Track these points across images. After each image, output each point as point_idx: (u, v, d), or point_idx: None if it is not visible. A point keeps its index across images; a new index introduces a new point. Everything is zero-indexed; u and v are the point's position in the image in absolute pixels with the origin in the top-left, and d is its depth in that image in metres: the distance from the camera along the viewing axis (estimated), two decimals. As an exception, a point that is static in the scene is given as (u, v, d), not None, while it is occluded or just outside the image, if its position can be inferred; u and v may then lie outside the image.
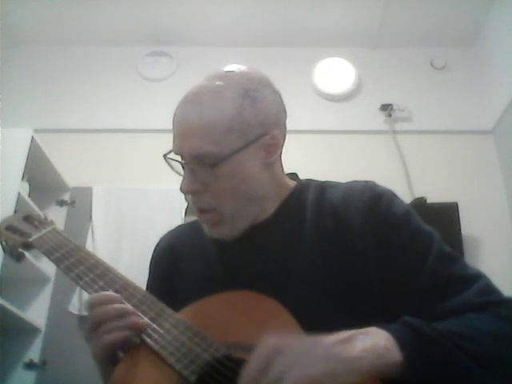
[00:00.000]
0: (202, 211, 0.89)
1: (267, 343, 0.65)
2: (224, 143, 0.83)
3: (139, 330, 0.80)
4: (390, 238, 0.84)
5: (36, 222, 1.06)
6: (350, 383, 0.63)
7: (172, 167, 0.91)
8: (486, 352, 0.70)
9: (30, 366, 2.28)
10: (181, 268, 0.96)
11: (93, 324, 0.80)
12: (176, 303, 0.85)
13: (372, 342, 0.66)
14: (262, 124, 0.86)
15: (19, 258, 1.04)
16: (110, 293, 0.84)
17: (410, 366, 0.65)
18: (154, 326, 0.81)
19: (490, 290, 0.80)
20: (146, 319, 0.82)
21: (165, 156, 0.90)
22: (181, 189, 0.87)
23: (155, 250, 1.04)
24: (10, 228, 1.04)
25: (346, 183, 0.94)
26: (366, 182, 0.92)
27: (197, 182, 0.86)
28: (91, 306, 0.82)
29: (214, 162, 0.83)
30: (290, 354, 0.64)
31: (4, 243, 1.04)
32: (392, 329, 0.69)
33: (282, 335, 0.66)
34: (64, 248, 0.96)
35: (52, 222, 1.07)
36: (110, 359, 0.81)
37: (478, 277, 0.81)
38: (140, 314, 0.83)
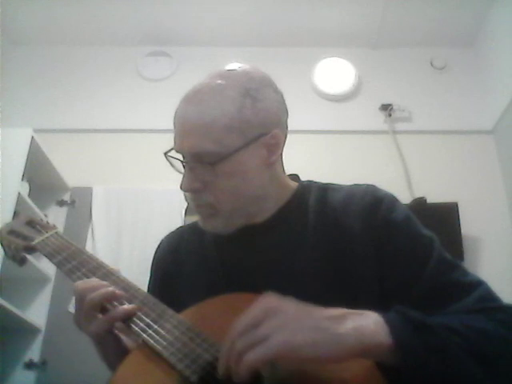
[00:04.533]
0: (199, 206, 0.89)
1: (264, 301, 0.67)
2: (224, 142, 0.83)
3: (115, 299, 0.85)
4: (389, 243, 0.84)
5: (38, 226, 1.07)
6: (332, 357, 0.64)
7: (173, 165, 0.91)
8: (477, 347, 0.69)
9: (30, 365, 2.28)
10: (182, 270, 0.96)
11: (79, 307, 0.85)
12: (178, 305, 0.86)
13: (362, 322, 0.66)
14: (263, 123, 0.87)
15: (22, 262, 1.05)
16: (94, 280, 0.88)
17: (399, 349, 0.65)
18: (156, 327, 0.82)
19: (489, 297, 0.79)
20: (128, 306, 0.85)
21: (165, 154, 0.91)
22: (181, 187, 0.87)
23: (156, 252, 1.04)
24: (13, 232, 1.05)
25: (348, 186, 0.94)
26: (367, 185, 0.92)
27: (197, 180, 0.86)
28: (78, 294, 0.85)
29: (214, 161, 0.84)
30: (281, 318, 0.65)
31: (6, 248, 1.04)
32: (384, 314, 0.69)
33: (280, 298, 0.67)
34: (66, 251, 0.96)
35: (54, 226, 1.07)
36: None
37: (477, 284, 0.80)
38: (142, 315, 0.84)
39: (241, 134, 0.84)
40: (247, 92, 0.86)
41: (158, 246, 1.05)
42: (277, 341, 0.62)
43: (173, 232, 1.06)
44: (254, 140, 0.86)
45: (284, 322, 0.64)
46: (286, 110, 0.93)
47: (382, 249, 0.83)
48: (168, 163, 0.91)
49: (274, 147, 0.89)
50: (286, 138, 0.93)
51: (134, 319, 0.83)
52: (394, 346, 0.65)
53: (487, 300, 0.78)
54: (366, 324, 0.66)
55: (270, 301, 0.67)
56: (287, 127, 0.93)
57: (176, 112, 0.89)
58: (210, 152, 0.83)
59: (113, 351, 0.87)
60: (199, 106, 0.85)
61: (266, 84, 0.89)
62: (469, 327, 0.71)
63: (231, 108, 0.84)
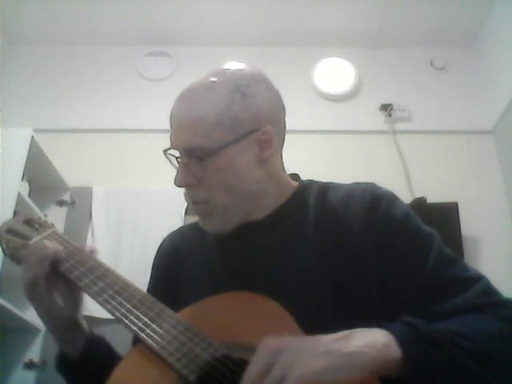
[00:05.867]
0: (194, 203, 0.90)
1: (268, 344, 0.65)
2: (213, 137, 0.85)
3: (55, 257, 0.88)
4: (389, 240, 0.84)
5: (36, 225, 1.06)
6: (350, 378, 0.63)
7: (171, 163, 0.92)
8: (485, 351, 0.70)
9: (29, 365, 2.28)
10: (184, 269, 0.97)
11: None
12: (179, 304, 0.86)
13: (371, 338, 0.66)
14: (253, 119, 0.87)
15: (20, 260, 1.04)
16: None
17: (409, 363, 0.65)
18: (154, 326, 0.82)
19: (489, 291, 0.80)
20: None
21: (165, 152, 0.92)
22: (175, 182, 0.89)
23: (158, 251, 1.04)
24: (11, 231, 1.04)
25: (348, 185, 0.94)
26: (367, 184, 0.92)
27: (190, 175, 0.87)
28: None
29: (204, 155, 0.85)
30: (291, 353, 0.64)
31: (5, 246, 1.04)
32: (391, 327, 0.69)
33: (281, 336, 0.67)
34: (64, 250, 0.96)
35: (52, 225, 1.07)
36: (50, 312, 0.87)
37: (477, 278, 0.81)
38: (140, 314, 0.84)
39: (230, 129, 0.85)
40: (237, 88, 0.87)
41: (160, 246, 1.05)
42: (295, 376, 0.62)
43: (174, 232, 1.06)
44: (245, 136, 0.86)
45: (296, 355, 0.63)
46: (283, 107, 0.94)
47: (381, 246, 0.83)
48: (168, 161, 0.92)
49: (266, 144, 0.89)
50: (284, 136, 0.93)
51: (132, 318, 0.83)
52: (404, 359, 0.65)
53: (488, 294, 0.79)
54: (376, 339, 0.66)
55: (273, 341, 0.66)
56: (285, 126, 0.94)
57: (171, 110, 0.91)
58: (200, 147, 0.85)
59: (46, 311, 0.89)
60: (191, 103, 0.87)
61: (259, 81, 0.90)
62: (476, 330, 0.71)
63: (221, 104, 0.85)
